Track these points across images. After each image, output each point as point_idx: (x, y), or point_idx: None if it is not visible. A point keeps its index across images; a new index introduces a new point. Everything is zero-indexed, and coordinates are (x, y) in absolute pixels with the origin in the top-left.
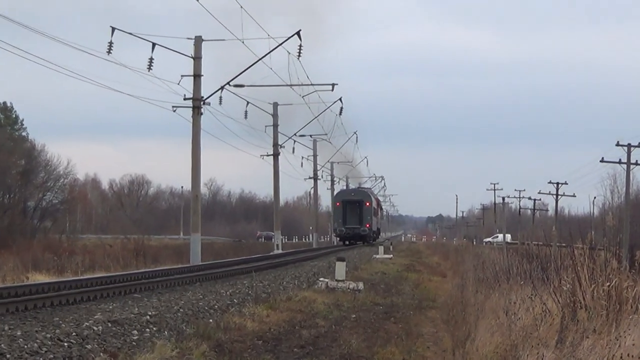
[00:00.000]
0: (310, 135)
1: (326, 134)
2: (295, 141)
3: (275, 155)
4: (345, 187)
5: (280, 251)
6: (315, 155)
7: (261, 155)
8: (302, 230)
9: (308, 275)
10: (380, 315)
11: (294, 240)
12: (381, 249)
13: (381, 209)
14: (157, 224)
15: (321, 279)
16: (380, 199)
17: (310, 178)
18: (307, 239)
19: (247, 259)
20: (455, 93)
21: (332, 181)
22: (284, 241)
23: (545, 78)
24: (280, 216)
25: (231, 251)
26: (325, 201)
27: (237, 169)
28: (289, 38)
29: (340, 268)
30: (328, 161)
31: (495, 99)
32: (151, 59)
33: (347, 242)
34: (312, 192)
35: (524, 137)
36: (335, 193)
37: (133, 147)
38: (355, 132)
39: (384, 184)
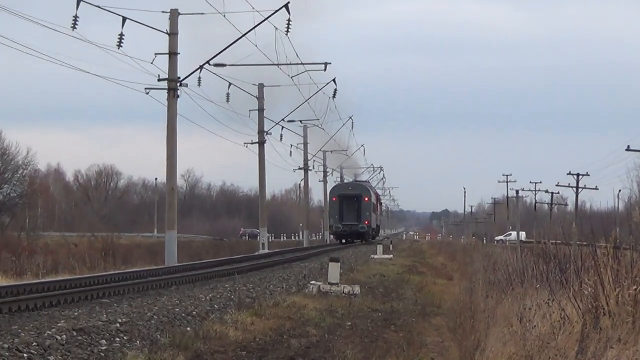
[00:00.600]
0: (301, 121)
1: (318, 120)
2: (283, 127)
3: (261, 143)
4: (339, 179)
5: (266, 251)
6: (306, 144)
7: (245, 144)
8: (291, 227)
9: (298, 278)
10: (379, 323)
11: (282, 239)
12: (380, 248)
13: (381, 204)
14: (128, 220)
15: (313, 282)
16: (380, 192)
17: (300, 169)
18: (296, 237)
19: (230, 260)
20: (464, 74)
21: (325, 172)
22: (270, 240)
23: (566, 57)
24: (266, 212)
25: (211, 251)
26: (317, 195)
27: (218, 159)
28: (276, 12)
29: (334, 270)
30: (320, 150)
31: (510, 81)
32: (121, 35)
33: (344, 241)
34: (302, 184)
35: (541, 123)
36: (331, 187)
37: (101, 135)
38: (350, 118)
39: (383, 175)
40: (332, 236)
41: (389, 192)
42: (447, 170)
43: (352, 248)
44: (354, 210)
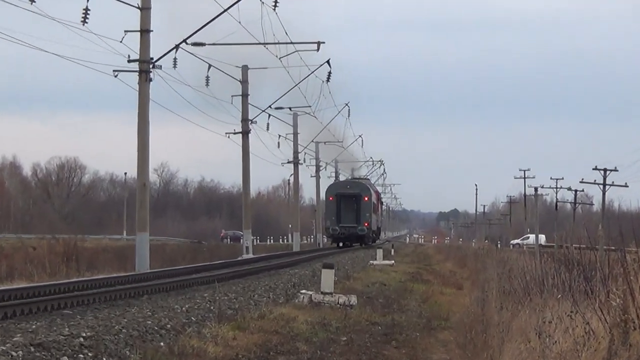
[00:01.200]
0: (290, 108)
1: (310, 107)
2: (270, 115)
3: (245, 132)
4: (334, 174)
5: (250, 255)
6: (295, 133)
7: (227, 133)
8: (279, 228)
9: (286, 286)
10: (378, 338)
11: (268, 242)
12: (380, 252)
13: (382, 203)
14: (93, 220)
15: (303, 291)
16: (380, 189)
17: (289, 162)
18: (285, 240)
19: (209, 266)
20: (475, 55)
21: (318, 166)
22: (255, 243)
23: (592, 37)
24: (251, 211)
25: (188, 255)
26: (309, 192)
27: (196, 151)
28: None
29: (328, 277)
30: (312, 141)
31: (528, 63)
32: (86, 9)
33: (341, 244)
34: (291, 180)
35: (562, 111)
36: (324, 183)
37: (63, 123)
38: (346, 104)
39: (384, 170)
40: (328, 239)
41: (390, 189)
42: (456, 165)
43: (349, 252)
44: (353, 210)
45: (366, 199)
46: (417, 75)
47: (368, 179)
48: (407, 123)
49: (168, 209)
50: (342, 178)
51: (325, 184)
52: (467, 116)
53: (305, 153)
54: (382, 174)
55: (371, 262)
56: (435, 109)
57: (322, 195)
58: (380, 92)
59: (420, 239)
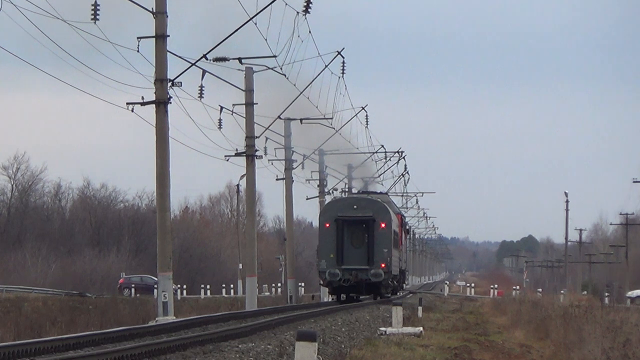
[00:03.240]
0: (240, 60)
1: (275, 57)
2: (205, 72)
3: (160, 102)
4: (317, 176)
5: (171, 318)
6: (250, 104)
7: (129, 104)
8: (220, 271)
9: None
10: None
11: (202, 294)
12: (398, 312)
13: (407, 232)
14: None
15: None
16: (398, 202)
17: (238, 154)
18: (232, 292)
19: (97, 337)
20: None
21: (289, 161)
22: (180, 296)
23: None
24: (172, 241)
25: (62, 318)
26: (273, 206)
27: (75, 135)
28: None
29: (304, 356)
30: (279, 117)
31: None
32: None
33: (344, 297)
34: (242, 185)
35: None
36: (324, 205)
37: None
38: (339, 53)
39: (405, 168)
40: (324, 288)
41: (417, 201)
42: (530, 163)
43: (346, 312)
44: (362, 244)
45: (383, 225)
46: (452, 18)
47: (386, 194)
48: (440, 92)
49: (27, 237)
50: (336, 193)
51: (302, 191)
52: (544, 85)
53: (266, 139)
54: (401, 176)
55: (382, 329)
56: (488, 72)
57: (297, 210)
58: (395, 32)
59: (469, 289)
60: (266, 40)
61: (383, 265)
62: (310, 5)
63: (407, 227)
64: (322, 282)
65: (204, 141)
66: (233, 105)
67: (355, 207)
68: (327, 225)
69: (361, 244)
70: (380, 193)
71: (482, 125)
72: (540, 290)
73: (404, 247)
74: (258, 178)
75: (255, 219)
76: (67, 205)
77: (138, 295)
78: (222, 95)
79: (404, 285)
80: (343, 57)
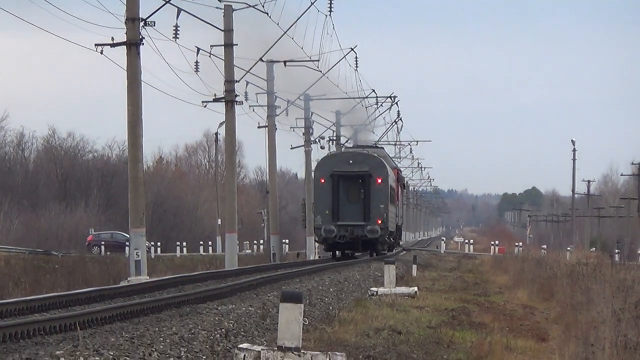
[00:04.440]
0: None
1: None
2: (180, 10)
3: (132, 44)
4: (302, 123)
5: (144, 278)
6: (229, 45)
7: (97, 45)
8: (197, 227)
9: (211, 337)
10: None
11: (178, 252)
12: (390, 271)
13: (404, 186)
14: None
15: (244, 345)
16: (391, 152)
17: (216, 100)
18: (210, 250)
19: (64, 298)
20: None
21: (272, 107)
22: (154, 254)
23: None
24: (145, 195)
25: (27, 278)
26: (255, 156)
27: (41, 78)
28: None
29: (291, 318)
30: (261, 59)
31: None
32: None
33: (338, 253)
34: (220, 133)
35: None
36: (318, 160)
37: None
38: None
39: (398, 114)
40: (319, 245)
41: (410, 151)
42: (533, 106)
43: (338, 270)
44: (358, 200)
45: (379, 180)
46: None
47: (382, 148)
48: (436, 35)
49: None
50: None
51: (286, 140)
52: (544, 23)
53: (247, 83)
54: (394, 123)
55: (373, 289)
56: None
57: (280, 161)
58: None
59: (467, 246)
60: None
61: (379, 221)
62: None
63: (404, 182)
64: (316, 239)
65: (179, 86)
66: (211, 46)
67: (351, 162)
68: (323, 180)
69: (357, 200)
70: (376, 147)
71: (482, 69)
72: (544, 247)
73: (400, 202)
74: (238, 126)
75: (235, 170)
76: (30, 156)
77: (108, 253)
78: (198, 36)
79: (400, 242)
80: None
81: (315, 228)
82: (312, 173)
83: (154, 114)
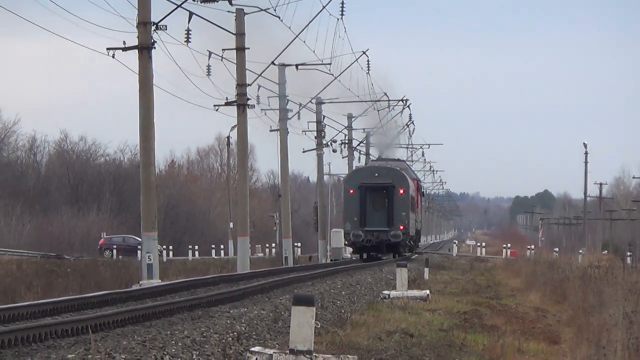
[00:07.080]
0: (230, 1)
1: None
2: (192, 14)
3: (144, 48)
4: (315, 127)
5: (156, 281)
6: (241, 49)
7: (109, 49)
8: (210, 230)
9: (223, 340)
10: None
11: (190, 256)
12: (401, 274)
13: (423, 195)
14: None
15: (256, 349)
16: (402, 155)
17: (228, 104)
18: (222, 253)
19: (76, 302)
20: None
21: (283, 110)
22: (166, 257)
23: None
24: (157, 198)
25: (38, 281)
26: (267, 160)
27: (52, 84)
28: None
29: (303, 321)
30: (273, 62)
31: None
32: None
33: (365, 255)
34: (232, 137)
35: None
36: (347, 174)
37: None
38: None
39: (410, 117)
40: (348, 248)
41: (422, 154)
42: (545, 108)
43: (350, 273)
44: (383, 208)
45: (402, 191)
46: None
47: (404, 161)
48: (449, 37)
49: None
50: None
51: (298, 143)
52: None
53: (259, 87)
54: (406, 126)
55: (385, 292)
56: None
57: (292, 164)
58: None
59: (479, 249)
60: None
61: (401, 227)
62: None
63: (423, 191)
64: (346, 242)
65: (191, 89)
66: (223, 50)
67: (376, 174)
68: (352, 191)
69: (382, 208)
70: (399, 160)
71: (494, 72)
72: (556, 249)
73: (419, 209)
74: (250, 129)
75: (247, 174)
76: (42, 160)
77: (120, 257)
78: (210, 40)
79: (419, 243)
80: None
81: (345, 233)
82: (342, 185)
83: (166, 118)
